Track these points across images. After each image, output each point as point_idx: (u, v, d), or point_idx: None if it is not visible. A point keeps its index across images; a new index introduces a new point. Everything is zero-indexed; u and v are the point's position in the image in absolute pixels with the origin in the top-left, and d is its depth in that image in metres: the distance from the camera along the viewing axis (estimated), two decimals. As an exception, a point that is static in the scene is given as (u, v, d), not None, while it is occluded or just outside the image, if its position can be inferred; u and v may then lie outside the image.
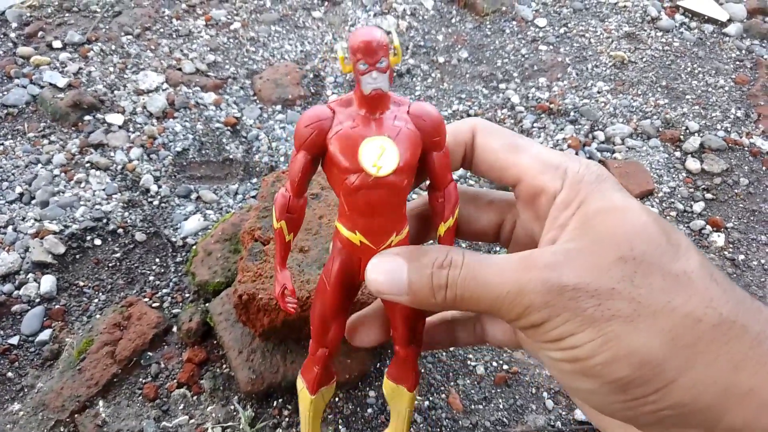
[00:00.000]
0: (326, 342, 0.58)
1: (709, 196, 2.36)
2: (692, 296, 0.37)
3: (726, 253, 2.21)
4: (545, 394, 1.81)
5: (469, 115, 2.57)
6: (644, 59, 2.87)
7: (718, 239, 2.24)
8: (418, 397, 1.73)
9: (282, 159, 2.32)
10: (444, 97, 2.63)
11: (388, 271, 0.46)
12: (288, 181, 0.51)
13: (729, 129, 2.58)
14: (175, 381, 1.69)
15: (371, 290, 0.47)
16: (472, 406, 1.75)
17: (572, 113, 2.56)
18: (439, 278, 0.43)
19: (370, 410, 1.67)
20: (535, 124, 2.51)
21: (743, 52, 2.94)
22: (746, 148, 2.52)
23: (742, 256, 2.20)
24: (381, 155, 0.46)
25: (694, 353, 0.36)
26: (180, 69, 2.64)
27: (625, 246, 0.39)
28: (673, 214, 2.31)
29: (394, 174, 0.46)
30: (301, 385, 0.62)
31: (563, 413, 1.78)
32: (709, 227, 2.27)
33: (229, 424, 1.59)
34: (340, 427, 1.62)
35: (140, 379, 1.69)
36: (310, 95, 2.59)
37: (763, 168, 2.44)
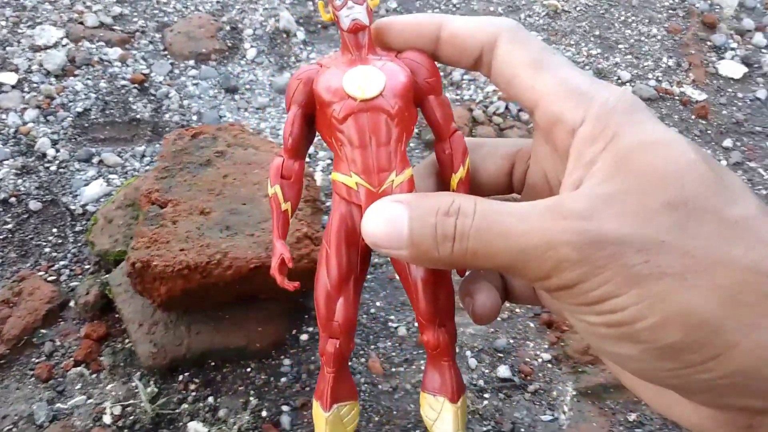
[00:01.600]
0: (335, 329, 0.48)
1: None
2: (754, 246, 0.32)
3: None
4: (468, 352, 1.77)
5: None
6: (578, 8, 2.80)
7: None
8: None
9: (194, 118, 2.16)
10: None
11: (386, 220, 0.39)
12: (283, 144, 0.47)
13: (660, 78, 2.54)
14: (71, 359, 1.56)
15: (368, 243, 0.41)
16: (393, 369, 1.69)
17: (503, 65, 2.47)
18: (445, 227, 0.36)
19: (284, 379, 1.59)
20: (465, 77, 2.41)
21: (676, 0, 2.89)
22: (676, 98, 2.49)
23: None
24: (365, 80, 0.43)
25: (759, 313, 0.31)
26: (82, 23, 2.41)
27: (674, 188, 0.32)
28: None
29: (382, 96, 0.43)
30: (315, 401, 0.51)
31: (486, 371, 1.74)
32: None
33: (130, 402, 1.49)
34: (251, 398, 1.54)
35: (32, 359, 1.56)
36: (227, 49, 2.42)
37: (693, 117, 2.42)
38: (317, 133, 0.49)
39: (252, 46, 2.45)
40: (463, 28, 0.44)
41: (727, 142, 2.36)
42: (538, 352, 1.80)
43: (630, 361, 0.36)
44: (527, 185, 0.49)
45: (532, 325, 1.87)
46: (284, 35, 2.49)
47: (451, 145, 0.48)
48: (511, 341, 1.82)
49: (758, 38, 2.70)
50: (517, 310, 1.89)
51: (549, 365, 1.78)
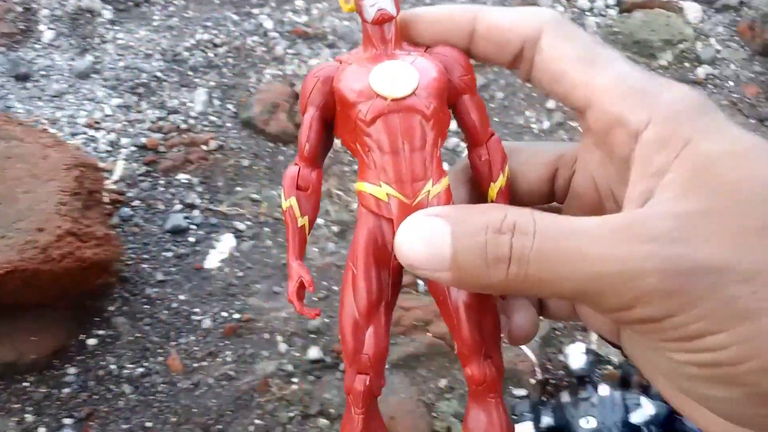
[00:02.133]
0: (364, 362, 0.40)
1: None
2: None
3: (478, 168, 2.21)
4: (279, 337, 1.71)
5: (215, 45, 2.31)
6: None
7: (471, 155, 2.22)
8: (130, 365, 1.56)
9: (-25, 111, 1.94)
10: (187, 27, 2.34)
11: (425, 237, 0.32)
12: (298, 151, 0.40)
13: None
14: None
15: (404, 265, 0.35)
16: (195, 365, 1.60)
17: (330, 37, 2.39)
18: (498, 248, 0.30)
19: (68, 389, 1.46)
20: (288, 50, 2.31)
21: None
22: (503, 62, 2.50)
23: (492, 170, 2.21)
24: (395, 77, 0.38)
25: None
26: None
27: None
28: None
29: (415, 95, 0.37)
30: None
31: (297, 354, 1.69)
32: (462, 144, 2.24)
33: None
34: (26, 416, 1.40)
35: None
36: (19, 33, 2.18)
37: (518, 81, 2.45)
38: (334, 138, 0.43)
39: (49, 28, 2.23)
40: (502, 20, 0.39)
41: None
42: (353, 329, 1.77)
43: (724, 404, 0.31)
44: (572, 194, 0.43)
45: (349, 302, 1.83)
46: (88, 14, 2.29)
47: (488, 151, 0.41)
48: (327, 321, 1.78)
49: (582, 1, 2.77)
50: (335, 287, 1.85)
51: (364, 341, 1.75)
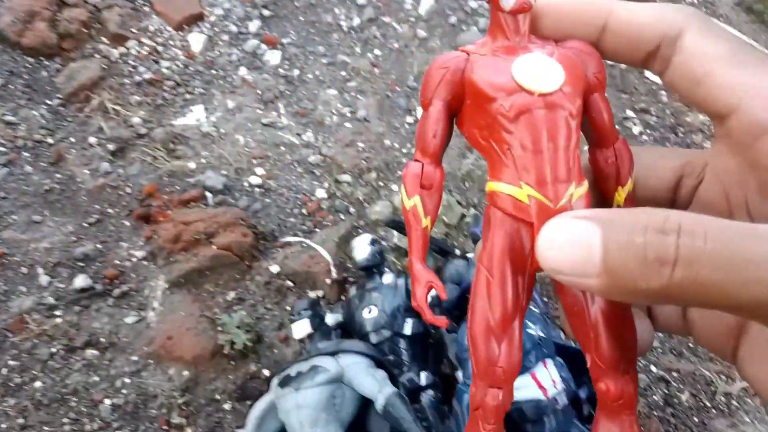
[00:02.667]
0: (498, 376, 0.35)
1: (267, 13, 2.12)
2: None
3: (281, 70, 2.04)
4: (40, 270, 1.52)
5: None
6: None
7: (273, 57, 2.05)
8: None
9: None
10: None
11: (571, 240, 0.29)
12: (418, 147, 0.37)
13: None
14: None
15: (545, 269, 0.31)
16: (-71, 311, 1.39)
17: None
18: (661, 248, 0.26)
19: None
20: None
21: None
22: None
23: (297, 72, 2.05)
24: (540, 71, 0.35)
25: None
26: None
27: None
28: (226, 38, 2.05)
29: (562, 92, 0.34)
30: None
31: (61, 285, 1.52)
32: (264, 46, 2.05)
33: None
34: None
35: None
36: None
37: (326, -25, 2.26)
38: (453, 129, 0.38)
39: None
40: (640, 16, 0.36)
41: None
42: (132, 252, 1.61)
43: None
44: (696, 204, 0.40)
45: (127, 223, 1.66)
46: None
47: (616, 153, 0.38)
48: (99, 246, 1.60)
49: None
50: (110, 210, 1.67)
51: (144, 263, 1.60)
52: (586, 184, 0.36)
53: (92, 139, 1.75)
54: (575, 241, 0.30)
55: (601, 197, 0.40)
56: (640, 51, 0.37)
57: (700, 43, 0.36)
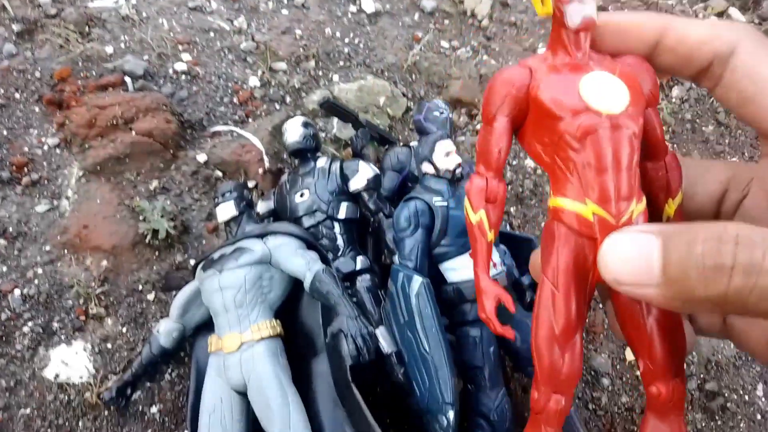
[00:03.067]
0: (561, 382, 0.39)
1: None
2: None
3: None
4: (-64, 156, 1.38)
5: None
6: None
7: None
8: None
9: None
10: None
11: (632, 251, 0.31)
12: (480, 161, 0.40)
13: None
14: None
15: (607, 280, 0.32)
16: None
17: None
18: (720, 256, 0.27)
19: None
20: None
21: None
22: None
23: None
24: (606, 90, 0.36)
25: None
26: None
27: None
28: None
29: (626, 113, 0.35)
30: None
31: (-39, 173, 1.38)
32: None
33: None
34: None
35: None
36: None
37: None
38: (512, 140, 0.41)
39: None
40: (693, 33, 0.38)
41: None
42: (43, 139, 1.47)
43: None
44: (742, 217, 0.40)
45: (37, 109, 1.51)
46: None
47: (666, 166, 0.40)
48: (5, 133, 1.46)
49: None
50: (17, 95, 1.51)
51: (56, 151, 1.46)
52: (644, 200, 0.38)
53: (-6, 19, 1.57)
54: (636, 253, 0.32)
55: (651, 209, 0.40)
56: (693, 67, 0.38)
57: (752, 62, 0.37)
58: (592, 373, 1.53)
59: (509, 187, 1.68)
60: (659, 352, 0.41)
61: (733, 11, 2.20)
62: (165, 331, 1.22)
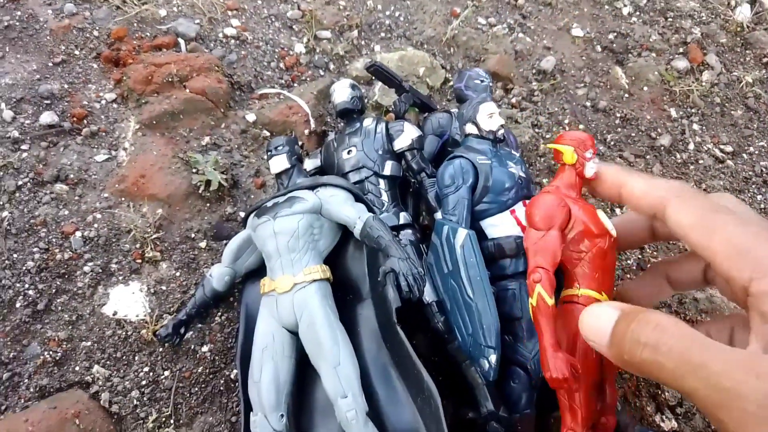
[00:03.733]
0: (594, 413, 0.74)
1: None
2: None
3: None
4: (3, 105, 1.45)
5: None
6: None
7: None
8: None
9: None
10: None
11: (600, 318, 0.45)
12: (541, 257, 0.71)
13: None
14: None
15: (582, 335, 0.49)
16: None
17: None
18: (641, 334, 0.41)
19: None
20: None
21: None
22: None
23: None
24: (608, 222, 0.67)
25: None
26: None
27: None
28: None
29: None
30: None
31: (27, 121, 1.45)
32: None
33: None
34: None
35: None
36: None
37: None
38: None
39: None
40: (637, 191, 0.55)
41: None
42: (101, 94, 1.54)
43: None
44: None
45: (95, 66, 1.58)
46: None
47: None
48: (66, 86, 1.52)
49: None
50: (76, 52, 1.58)
51: (114, 105, 1.53)
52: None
53: (57, -20, 1.64)
54: (601, 319, 0.45)
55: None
56: (645, 216, 0.55)
57: (678, 217, 0.49)
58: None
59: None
60: (610, 397, 0.67)
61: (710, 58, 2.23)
62: (218, 275, 1.28)
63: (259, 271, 1.32)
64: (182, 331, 1.28)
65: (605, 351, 0.45)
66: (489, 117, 1.35)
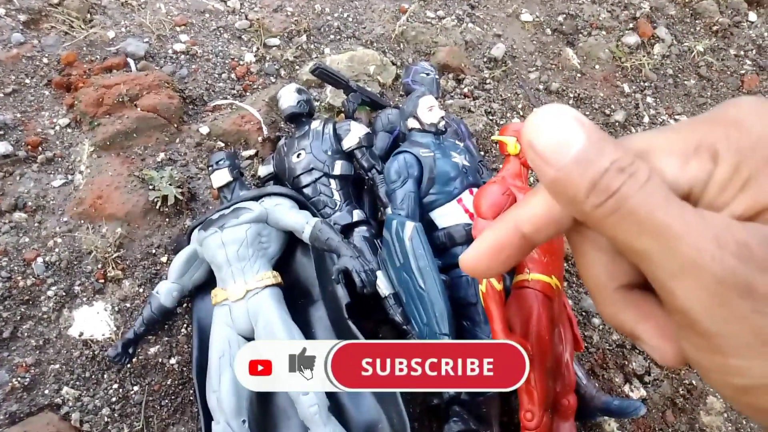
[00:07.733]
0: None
1: None
2: None
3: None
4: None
5: None
6: None
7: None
8: None
9: None
10: None
11: (561, 133, 0.29)
12: None
13: None
14: None
15: (524, 141, 0.29)
16: None
17: None
18: (611, 182, 0.28)
19: None
20: None
21: None
22: None
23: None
24: None
25: None
26: None
27: None
28: None
29: None
30: None
31: None
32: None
33: None
34: None
35: None
36: None
37: None
38: None
39: None
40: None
41: None
42: (54, 120, 1.56)
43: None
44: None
45: (47, 93, 1.60)
46: None
47: None
48: (19, 115, 1.55)
49: None
50: (27, 81, 1.61)
51: (68, 130, 1.56)
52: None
53: (1, 11, 1.66)
54: (562, 135, 0.31)
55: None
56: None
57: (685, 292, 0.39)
58: (584, 313, 1.61)
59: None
60: (568, 377, 0.71)
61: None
62: (165, 291, 1.28)
63: (206, 285, 1.34)
64: (131, 350, 1.26)
65: (550, 177, 0.30)
66: (429, 110, 1.38)
